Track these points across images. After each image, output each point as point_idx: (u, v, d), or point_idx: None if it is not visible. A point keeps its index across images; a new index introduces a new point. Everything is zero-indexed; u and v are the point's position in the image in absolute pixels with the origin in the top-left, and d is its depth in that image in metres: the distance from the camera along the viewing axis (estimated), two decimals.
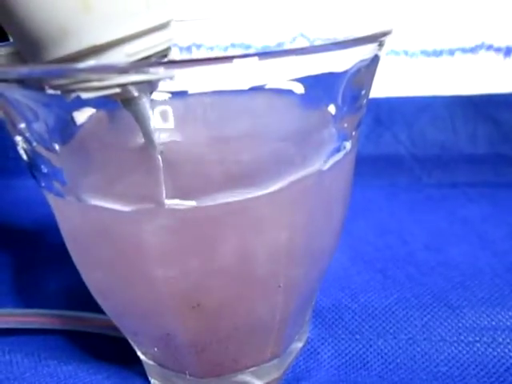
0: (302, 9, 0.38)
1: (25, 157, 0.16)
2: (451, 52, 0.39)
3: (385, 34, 0.14)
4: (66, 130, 0.16)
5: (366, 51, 0.14)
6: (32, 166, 0.16)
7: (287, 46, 0.37)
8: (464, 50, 0.39)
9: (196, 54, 0.39)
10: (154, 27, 0.15)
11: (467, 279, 0.26)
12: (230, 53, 0.38)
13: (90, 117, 0.17)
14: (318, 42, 0.22)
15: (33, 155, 0.16)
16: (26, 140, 0.15)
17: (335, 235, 0.18)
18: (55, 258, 0.29)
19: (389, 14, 0.40)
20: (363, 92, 0.16)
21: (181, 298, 0.15)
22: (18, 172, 0.38)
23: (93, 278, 0.17)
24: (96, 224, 0.15)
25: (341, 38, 0.20)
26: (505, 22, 0.40)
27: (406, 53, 0.39)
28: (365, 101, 0.17)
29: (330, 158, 0.15)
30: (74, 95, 0.13)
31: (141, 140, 0.16)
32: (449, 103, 0.38)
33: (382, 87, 0.39)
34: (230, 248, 0.14)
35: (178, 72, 0.12)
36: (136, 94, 0.15)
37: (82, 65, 0.12)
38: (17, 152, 0.16)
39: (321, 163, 0.15)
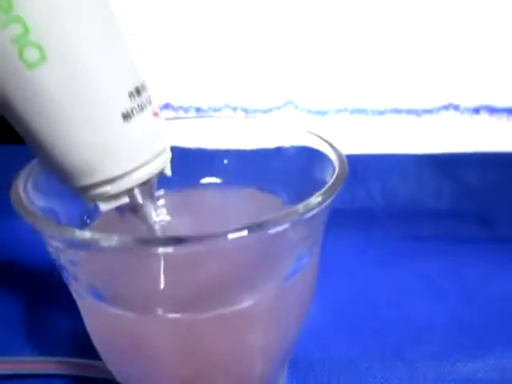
0: (292, 76, 0.42)
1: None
2: (419, 112, 0.43)
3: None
4: None
5: None
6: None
7: (276, 112, 0.42)
8: (432, 111, 0.43)
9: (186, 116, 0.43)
10: (155, 155, 0.19)
11: (421, 334, 0.31)
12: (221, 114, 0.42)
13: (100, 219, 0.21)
14: None
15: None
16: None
17: (303, 320, 0.23)
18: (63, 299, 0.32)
19: (362, 73, 0.43)
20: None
21: (178, 378, 0.20)
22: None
23: (104, 355, 0.21)
24: (104, 319, 0.19)
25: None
26: (471, 82, 0.44)
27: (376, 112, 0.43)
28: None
29: (291, 276, 0.19)
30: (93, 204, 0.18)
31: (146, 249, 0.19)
32: (418, 161, 0.42)
33: (357, 144, 0.43)
34: (215, 348, 0.18)
35: None
36: (141, 201, 0.19)
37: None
38: None
39: (284, 277, 0.19)
